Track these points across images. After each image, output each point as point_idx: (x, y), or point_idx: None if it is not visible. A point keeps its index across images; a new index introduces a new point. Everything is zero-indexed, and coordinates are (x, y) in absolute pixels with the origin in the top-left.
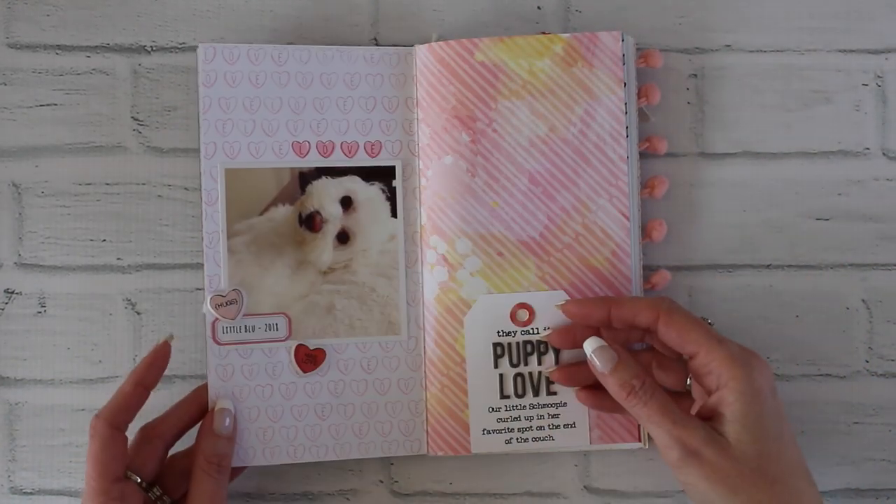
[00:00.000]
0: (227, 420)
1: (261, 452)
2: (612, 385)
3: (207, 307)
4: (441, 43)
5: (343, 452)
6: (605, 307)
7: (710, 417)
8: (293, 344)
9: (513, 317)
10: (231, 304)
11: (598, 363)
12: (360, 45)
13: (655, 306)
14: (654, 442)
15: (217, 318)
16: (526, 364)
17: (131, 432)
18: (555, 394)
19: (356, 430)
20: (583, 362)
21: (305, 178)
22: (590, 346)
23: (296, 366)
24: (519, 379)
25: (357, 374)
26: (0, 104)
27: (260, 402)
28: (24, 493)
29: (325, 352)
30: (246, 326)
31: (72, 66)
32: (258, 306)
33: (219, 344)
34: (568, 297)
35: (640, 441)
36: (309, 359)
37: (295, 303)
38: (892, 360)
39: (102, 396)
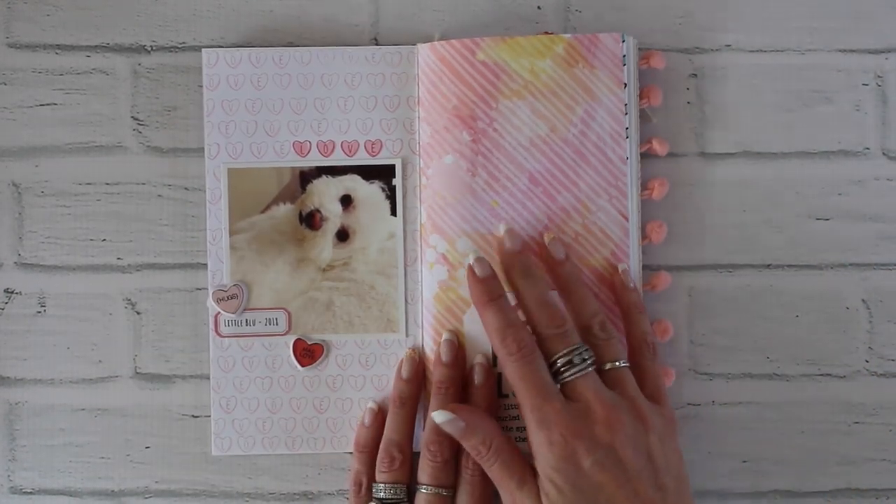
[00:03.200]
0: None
1: (260, 442)
2: (466, 447)
3: (210, 301)
4: (443, 42)
5: (340, 446)
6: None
7: None
8: (292, 338)
9: None
10: (232, 298)
11: (450, 432)
12: (360, 45)
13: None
14: None
15: (219, 312)
16: None
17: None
18: None
19: (354, 425)
20: None
21: (306, 177)
22: (438, 417)
23: (294, 359)
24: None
25: (355, 370)
26: (0, 104)
27: (260, 394)
28: (24, 493)
29: (323, 347)
30: (247, 320)
31: (72, 66)
32: (259, 301)
33: (220, 336)
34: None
35: None
36: (307, 353)
37: (295, 299)
38: (892, 360)
39: (102, 396)
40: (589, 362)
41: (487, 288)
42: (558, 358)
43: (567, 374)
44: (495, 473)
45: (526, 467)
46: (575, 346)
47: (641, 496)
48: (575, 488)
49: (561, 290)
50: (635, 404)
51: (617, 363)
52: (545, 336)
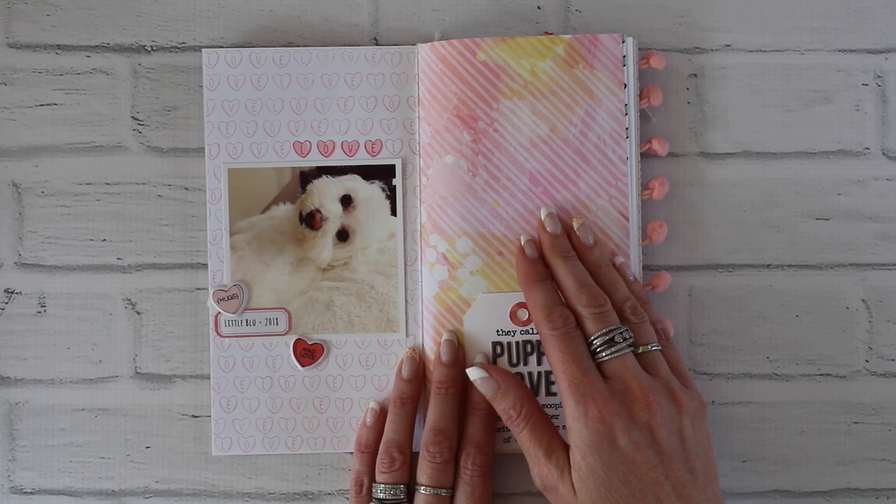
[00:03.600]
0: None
1: (260, 442)
2: (496, 410)
3: (210, 301)
4: (443, 42)
5: (341, 446)
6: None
7: None
8: (292, 338)
9: (512, 316)
10: (233, 298)
11: (482, 391)
12: (360, 46)
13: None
14: None
15: (219, 312)
16: (525, 364)
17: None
18: (554, 395)
19: (354, 425)
20: None
21: (306, 177)
22: (473, 374)
23: (294, 359)
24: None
25: (355, 370)
26: (0, 104)
27: (260, 394)
28: (24, 493)
29: (323, 347)
30: (247, 320)
31: (72, 66)
32: (259, 301)
33: (221, 336)
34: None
35: None
36: (307, 353)
37: (295, 298)
38: (892, 360)
39: (102, 396)
40: (629, 341)
41: (536, 269)
42: (597, 337)
43: (605, 353)
44: (524, 439)
45: (555, 437)
46: (615, 326)
47: (672, 478)
48: (608, 466)
49: (591, 275)
50: (670, 386)
51: (650, 346)
52: (585, 316)
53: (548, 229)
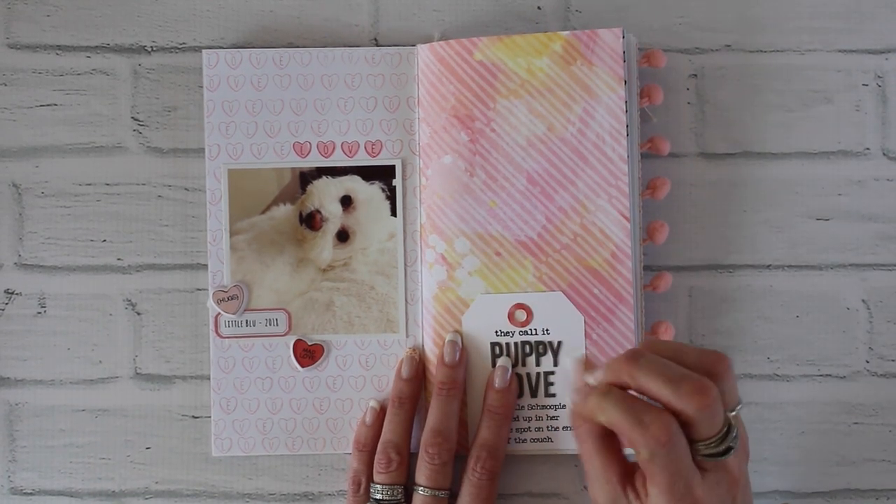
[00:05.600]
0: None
1: (260, 443)
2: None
3: (210, 302)
4: (441, 42)
5: (341, 446)
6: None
7: None
8: (292, 339)
9: (511, 317)
10: (233, 299)
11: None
12: (360, 46)
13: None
14: None
15: (219, 313)
16: (524, 365)
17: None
18: (553, 395)
19: (354, 426)
20: None
21: (306, 177)
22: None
23: (294, 360)
24: (517, 379)
25: (355, 371)
26: (0, 104)
27: (260, 394)
28: (24, 493)
29: (323, 347)
30: (247, 321)
31: (72, 66)
32: (259, 302)
33: (221, 337)
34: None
35: None
36: (307, 354)
37: (295, 299)
38: (892, 360)
39: (102, 396)
40: (737, 439)
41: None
42: (711, 443)
43: (719, 458)
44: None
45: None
46: (728, 427)
47: None
48: None
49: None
50: (744, 440)
51: (737, 410)
52: (694, 416)
53: (589, 380)
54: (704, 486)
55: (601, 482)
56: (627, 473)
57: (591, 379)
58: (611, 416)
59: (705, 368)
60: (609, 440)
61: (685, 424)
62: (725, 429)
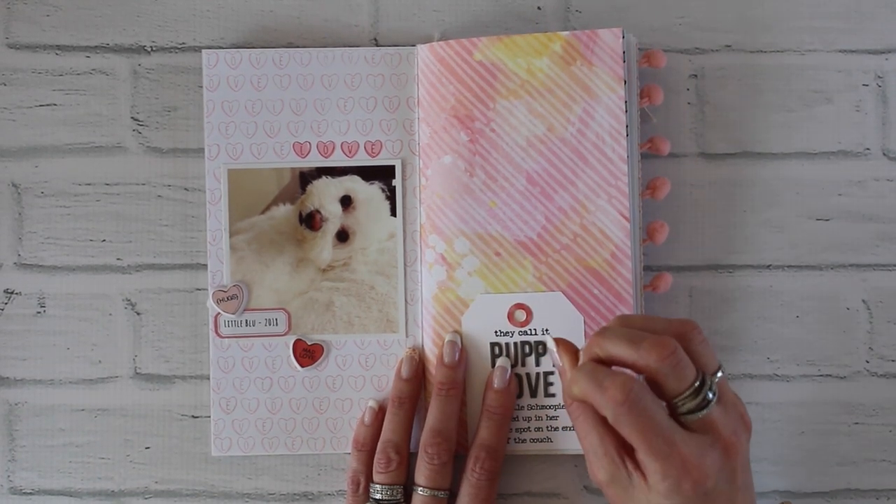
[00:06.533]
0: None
1: (259, 443)
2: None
3: (210, 302)
4: (441, 42)
5: (340, 446)
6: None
7: None
8: (292, 339)
9: (510, 317)
10: (232, 298)
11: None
12: (360, 46)
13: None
14: None
15: (219, 313)
16: (523, 365)
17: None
18: (553, 395)
19: (354, 425)
20: None
21: (306, 177)
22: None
23: (294, 360)
24: (516, 380)
25: (355, 371)
26: (0, 104)
27: (260, 394)
28: (24, 493)
29: (322, 347)
30: (246, 321)
31: (72, 66)
32: (259, 302)
33: (220, 337)
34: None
35: None
36: (307, 353)
37: (294, 299)
38: (892, 361)
39: (102, 396)
40: (714, 389)
41: (564, 356)
42: (684, 399)
43: (696, 414)
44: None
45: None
46: (699, 381)
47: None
48: None
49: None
50: (739, 411)
51: (718, 375)
52: (660, 372)
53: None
54: (692, 446)
55: (599, 456)
56: (625, 445)
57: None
58: (581, 386)
59: (672, 332)
60: (602, 416)
61: (654, 383)
62: (698, 383)
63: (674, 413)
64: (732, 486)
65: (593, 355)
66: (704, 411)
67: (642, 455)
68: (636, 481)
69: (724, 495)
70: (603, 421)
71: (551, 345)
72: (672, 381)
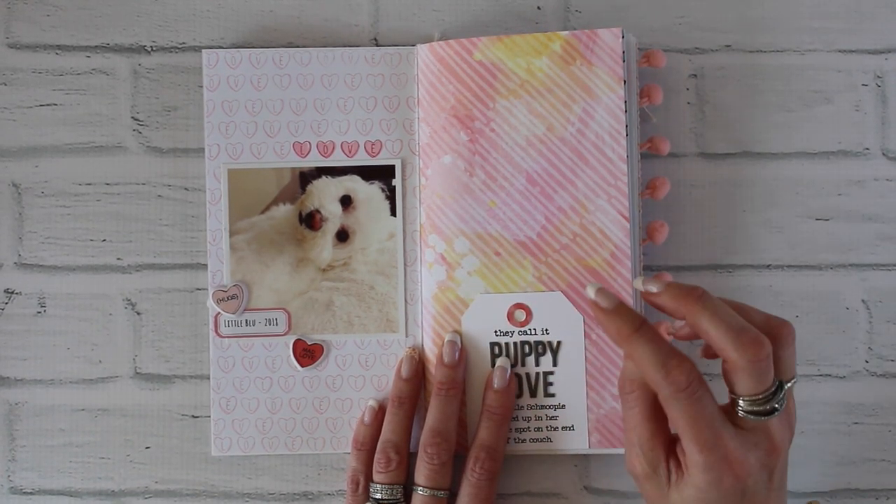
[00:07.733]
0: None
1: (259, 442)
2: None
3: (210, 301)
4: (441, 42)
5: (340, 446)
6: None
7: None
8: (292, 338)
9: (510, 317)
10: (232, 298)
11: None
12: (360, 46)
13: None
14: None
15: (219, 313)
16: (523, 365)
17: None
18: (553, 395)
19: (354, 425)
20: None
21: (306, 177)
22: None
23: (294, 360)
24: (516, 380)
25: (355, 370)
26: (0, 104)
27: (260, 394)
28: (24, 493)
29: (322, 347)
30: (246, 321)
31: (72, 66)
32: (259, 301)
33: (220, 337)
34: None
35: None
36: (307, 353)
37: (294, 299)
38: (892, 361)
39: (102, 396)
40: (784, 402)
41: (627, 317)
42: (752, 401)
43: (759, 417)
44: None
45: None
46: (772, 389)
47: None
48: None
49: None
50: (789, 412)
51: (791, 383)
52: (741, 368)
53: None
54: (738, 442)
55: (645, 450)
56: (671, 444)
57: (643, 285)
58: (639, 352)
59: (769, 330)
60: (658, 409)
61: (732, 374)
62: (774, 389)
63: (732, 406)
64: (768, 486)
65: (676, 313)
66: (769, 417)
67: (687, 444)
68: (673, 478)
69: (760, 495)
70: (656, 416)
71: (592, 294)
72: (750, 381)
